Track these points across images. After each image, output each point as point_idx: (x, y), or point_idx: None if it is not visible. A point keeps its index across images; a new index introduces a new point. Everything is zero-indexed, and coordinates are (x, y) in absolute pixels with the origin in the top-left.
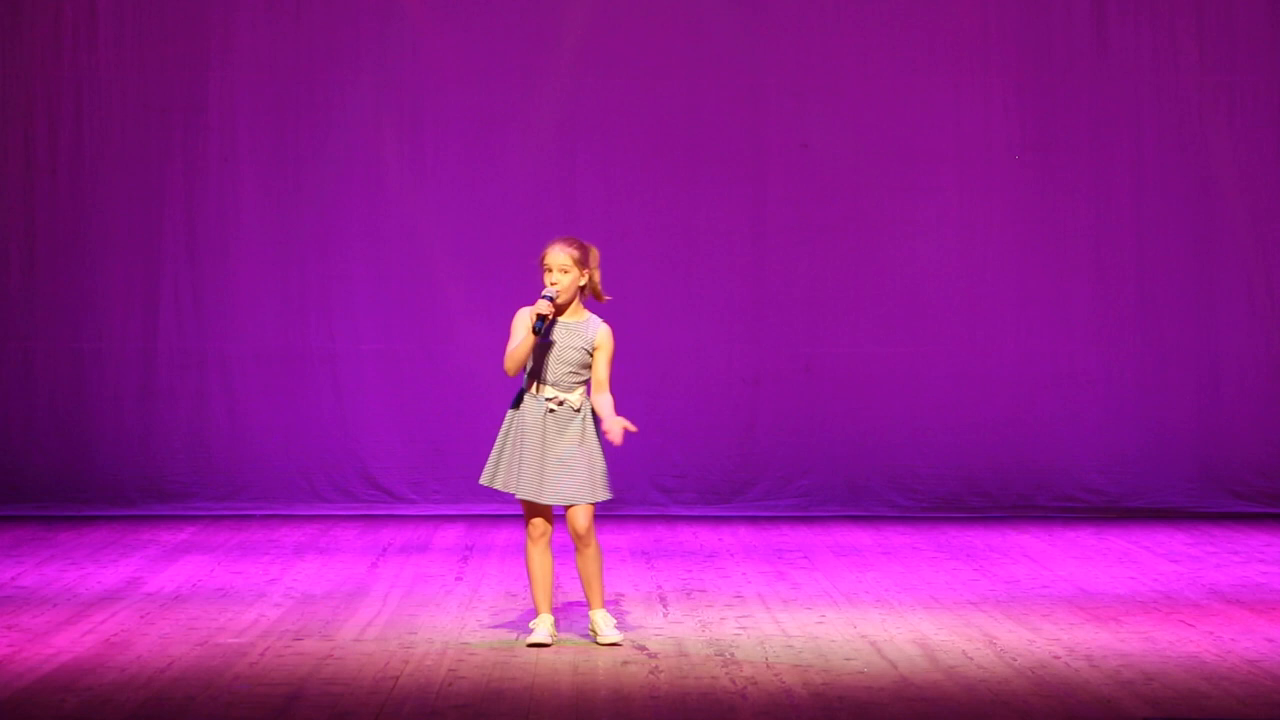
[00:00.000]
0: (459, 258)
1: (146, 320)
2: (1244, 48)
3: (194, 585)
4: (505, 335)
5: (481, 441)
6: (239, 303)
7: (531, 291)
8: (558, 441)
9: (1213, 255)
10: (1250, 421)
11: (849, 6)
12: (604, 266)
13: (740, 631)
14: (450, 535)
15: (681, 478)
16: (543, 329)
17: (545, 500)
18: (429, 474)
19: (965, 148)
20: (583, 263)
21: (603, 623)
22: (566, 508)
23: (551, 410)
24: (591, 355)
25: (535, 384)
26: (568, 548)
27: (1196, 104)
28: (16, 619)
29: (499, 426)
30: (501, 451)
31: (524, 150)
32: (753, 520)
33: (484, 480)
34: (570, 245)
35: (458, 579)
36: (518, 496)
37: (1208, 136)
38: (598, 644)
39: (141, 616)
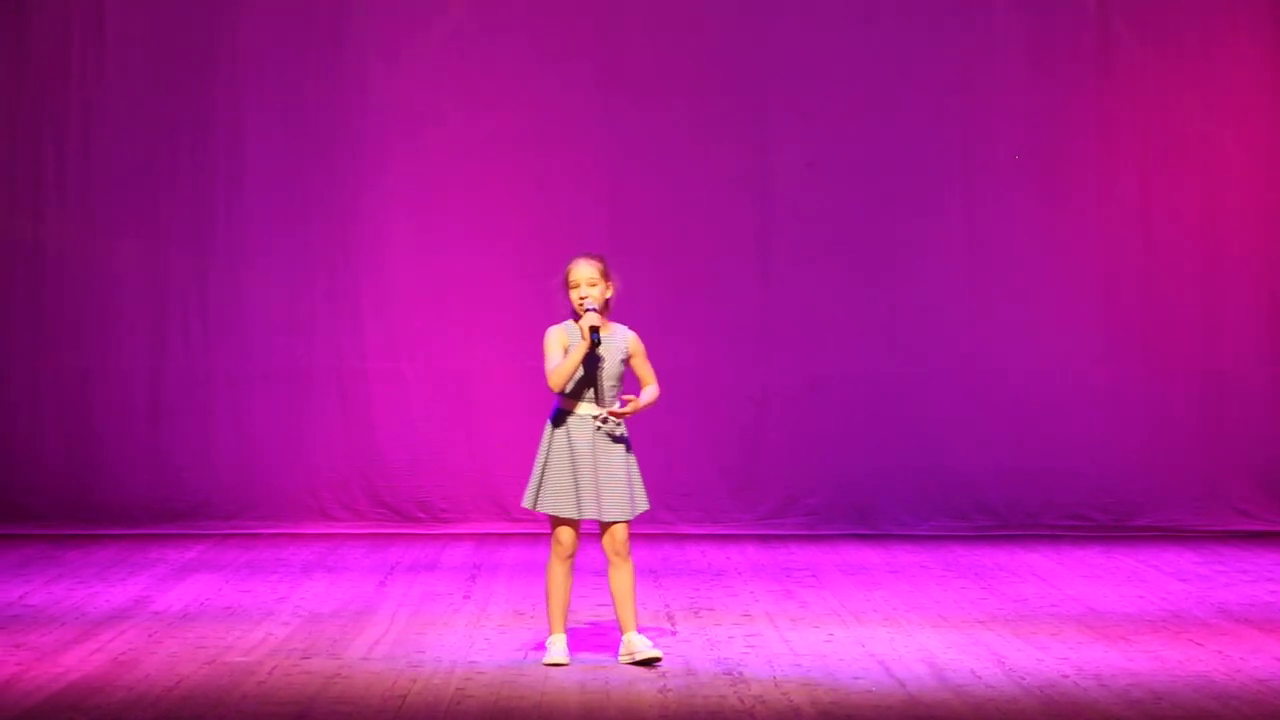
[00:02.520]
0: (466, 276)
1: (154, 339)
2: (1250, 64)
3: (202, 604)
4: (513, 353)
5: (489, 460)
6: (247, 321)
7: (539, 308)
8: (607, 457)
9: (1219, 274)
10: (1258, 439)
11: (854, 26)
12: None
13: (748, 650)
14: (458, 554)
15: (688, 496)
16: (599, 340)
17: (606, 518)
18: (437, 492)
19: (971, 166)
20: (607, 275)
21: (642, 641)
22: (602, 525)
23: (599, 427)
24: (626, 364)
25: (583, 403)
26: (581, 568)
27: (1202, 122)
28: (25, 638)
29: (507, 445)
30: (548, 473)
31: (531, 170)
32: (760, 539)
33: (529, 504)
34: (595, 259)
35: (466, 598)
36: (581, 518)
37: (1214, 155)
38: (636, 663)
39: (149, 635)
